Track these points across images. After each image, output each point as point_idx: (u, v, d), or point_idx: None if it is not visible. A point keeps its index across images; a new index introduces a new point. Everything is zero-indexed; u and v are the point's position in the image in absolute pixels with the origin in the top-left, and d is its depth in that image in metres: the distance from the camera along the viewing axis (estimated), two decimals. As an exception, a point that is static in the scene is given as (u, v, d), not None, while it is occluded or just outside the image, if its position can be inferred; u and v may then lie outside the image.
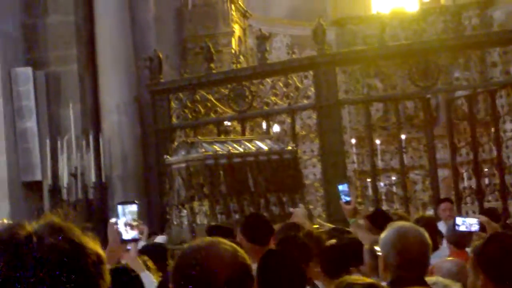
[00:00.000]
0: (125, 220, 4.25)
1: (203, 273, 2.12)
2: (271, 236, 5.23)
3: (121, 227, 4.23)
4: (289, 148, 10.03)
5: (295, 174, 9.81)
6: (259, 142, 9.75)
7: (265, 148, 9.56)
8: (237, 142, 9.74)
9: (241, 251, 2.22)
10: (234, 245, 2.24)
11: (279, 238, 4.43)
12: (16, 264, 1.30)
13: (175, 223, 9.13)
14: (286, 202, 9.64)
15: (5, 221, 4.44)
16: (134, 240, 4.39)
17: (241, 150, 9.44)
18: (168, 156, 9.59)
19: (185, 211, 9.13)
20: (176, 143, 10.05)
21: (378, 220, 6.22)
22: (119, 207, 4.35)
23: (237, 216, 8.88)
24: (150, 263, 4.43)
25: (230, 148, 9.41)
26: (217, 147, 9.37)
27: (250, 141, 9.87)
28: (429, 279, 3.58)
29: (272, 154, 9.59)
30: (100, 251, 1.40)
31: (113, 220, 5.77)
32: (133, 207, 4.37)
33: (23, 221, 1.40)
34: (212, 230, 6.80)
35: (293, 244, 4.25)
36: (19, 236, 1.35)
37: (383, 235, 3.49)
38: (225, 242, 2.23)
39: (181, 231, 9.02)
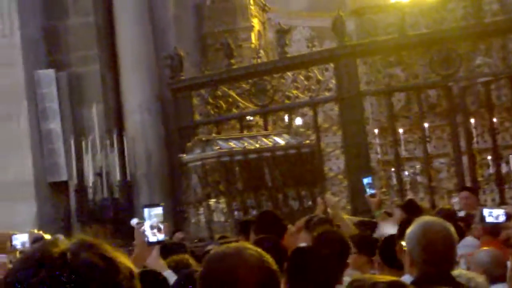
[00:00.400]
0: (151, 222, 4.29)
1: (230, 279, 2.14)
2: (284, 234, 5.24)
3: (147, 230, 4.26)
4: (307, 142, 9.99)
5: (314, 167, 9.78)
6: (277, 137, 9.72)
7: (282, 142, 9.53)
8: (253, 138, 9.73)
9: (266, 256, 2.23)
10: (260, 250, 2.26)
11: (314, 235, 4.40)
12: (51, 282, 1.33)
13: (192, 221, 9.14)
14: (305, 196, 9.62)
15: (35, 231, 4.49)
16: (160, 243, 4.42)
17: (257, 146, 9.43)
18: (184, 155, 9.59)
19: (202, 208, 9.15)
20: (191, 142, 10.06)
21: (412, 209, 6.23)
22: (145, 210, 4.38)
23: (254, 212, 8.87)
24: (192, 261, 4.43)
25: (246, 144, 9.40)
26: (232, 143, 9.36)
27: (267, 136, 9.84)
28: (452, 272, 3.56)
29: (290, 149, 9.56)
30: (131, 266, 1.42)
31: (134, 220, 5.80)
32: (159, 210, 4.40)
33: (56, 238, 1.43)
34: (245, 225, 6.78)
35: (331, 240, 4.22)
36: (53, 254, 1.37)
37: (408, 230, 3.48)
38: (251, 248, 2.24)
39: (198, 228, 9.04)
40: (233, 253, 2.21)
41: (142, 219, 4.60)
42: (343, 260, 4.10)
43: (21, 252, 3.99)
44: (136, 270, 1.44)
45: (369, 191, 6.31)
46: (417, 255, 3.38)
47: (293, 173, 9.45)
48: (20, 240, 4.30)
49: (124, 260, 1.40)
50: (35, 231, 4.36)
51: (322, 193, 9.75)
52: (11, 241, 4.29)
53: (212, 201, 9.11)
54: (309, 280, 3.27)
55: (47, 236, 4.31)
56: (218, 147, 9.30)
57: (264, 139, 9.68)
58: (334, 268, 3.38)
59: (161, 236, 4.28)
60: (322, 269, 3.33)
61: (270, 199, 9.30)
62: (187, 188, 9.59)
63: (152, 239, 4.22)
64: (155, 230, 4.25)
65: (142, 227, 4.27)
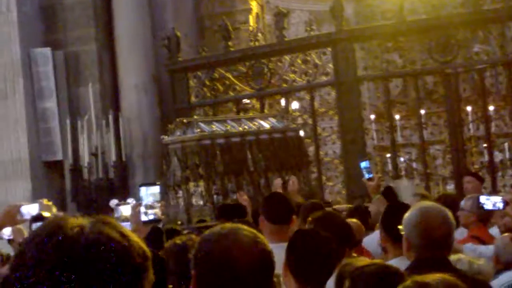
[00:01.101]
0: (147, 202, 4.29)
1: (224, 260, 2.14)
2: (292, 215, 5.23)
3: (142, 209, 4.26)
4: (293, 126, 9.91)
5: (299, 152, 9.70)
6: (262, 120, 9.65)
7: (267, 126, 9.46)
8: (237, 121, 9.63)
9: (261, 237, 2.23)
10: (254, 231, 2.25)
11: (313, 218, 4.39)
12: (64, 258, 1.32)
13: (171, 204, 9.07)
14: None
15: (44, 201, 4.49)
16: (156, 221, 4.43)
17: (240, 129, 9.35)
18: (165, 136, 9.54)
19: (181, 191, 9.02)
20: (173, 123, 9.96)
21: (390, 196, 6.24)
22: (142, 189, 4.38)
23: (234, 197, 8.78)
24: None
25: (228, 127, 9.32)
26: (215, 126, 9.29)
27: (251, 119, 9.76)
28: (452, 257, 3.57)
29: (275, 132, 9.48)
30: (144, 246, 1.41)
31: (114, 201, 5.79)
32: (155, 189, 4.40)
33: (67, 215, 1.41)
34: (224, 209, 6.78)
35: (331, 224, 4.21)
36: (66, 230, 1.36)
37: (406, 215, 3.48)
38: (245, 228, 2.24)
39: (177, 212, 8.98)
40: (228, 233, 2.21)
41: (137, 199, 4.59)
42: (345, 244, 4.10)
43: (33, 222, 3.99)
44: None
45: (367, 175, 6.30)
46: (415, 239, 3.39)
47: (277, 157, 9.34)
48: (29, 210, 4.32)
49: (137, 239, 1.40)
50: (45, 201, 4.35)
51: (307, 178, 9.72)
52: (20, 212, 4.30)
53: (191, 184, 8.98)
54: (310, 262, 3.26)
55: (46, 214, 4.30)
56: (199, 129, 9.18)
57: (248, 122, 9.59)
58: (335, 251, 3.37)
59: (156, 215, 4.28)
60: (323, 251, 3.32)
61: (251, 184, 9.18)
62: (167, 170, 9.45)
63: (148, 217, 4.22)
64: (150, 209, 4.25)
65: (138, 207, 4.26)
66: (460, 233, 5.81)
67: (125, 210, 4.63)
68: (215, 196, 8.92)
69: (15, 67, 11.29)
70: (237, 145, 9.22)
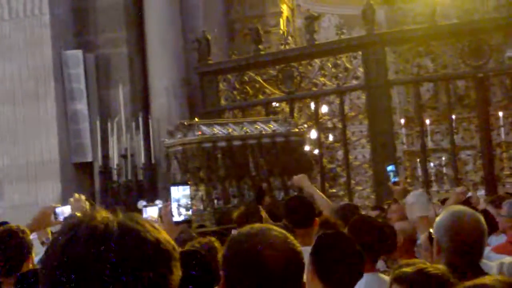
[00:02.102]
0: (179, 202, 4.28)
1: (253, 260, 2.12)
2: (314, 218, 5.20)
3: (174, 209, 4.25)
4: (296, 130, 9.79)
5: (302, 157, 9.58)
6: (263, 124, 9.53)
7: (269, 130, 9.34)
8: (239, 124, 9.49)
9: (291, 238, 2.20)
10: (285, 232, 2.23)
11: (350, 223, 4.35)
12: (93, 252, 1.32)
13: None
14: (291, 186, 9.38)
15: (74, 199, 4.51)
16: (187, 222, 4.42)
17: (242, 132, 9.24)
18: (165, 139, 9.46)
19: None
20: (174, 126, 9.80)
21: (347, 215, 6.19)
22: (172, 189, 4.37)
23: (235, 201, 8.68)
24: (217, 244, 4.40)
25: (230, 130, 9.23)
26: (216, 129, 9.20)
27: (253, 123, 9.65)
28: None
29: (277, 136, 9.37)
30: (172, 241, 1.41)
31: (142, 202, 5.77)
32: (187, 189, 4.38)
33: (99, 210, 1.41)
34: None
35: (364, 227, 4.17)
36: (97, 225, 1.36)
37: (438, 218, 3.44)
38: (275, 229, 2.22)
39: None
40: (257, 233, 2.18)
41: (167, 199, 4.58)
42: (378, 248, 4.07)
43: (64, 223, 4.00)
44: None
45: (393, 179, 6.22)
46: (445, 243, 3.34)
47: (279, 162, 9.20)
48: (63, 211, 4.35)
49: (166, 235, 1.41)
50: (76, 195, 4.37)
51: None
52: (55, 213, 4.32)
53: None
54: (337, 266, 3.22)
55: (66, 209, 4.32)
56: (200, 132, 9.03)
57: (250, 126, 9.49)
58: (360, 254, 3.33)
59: (188, 215, 4.27)
60: (349, 254, 3.28)
61: (253, 188, 9.03)
62: (167, 173, 9.34)
63: (179, 218, 4.21)
64: (183, 209, 4.24)
65: (169, 207, 4.25)
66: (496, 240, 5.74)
67: (152, 211, 4.63)
68: (215, 201, 8.80)
69: (46, 69, 11.37)
70: (239, 148, 9.08)
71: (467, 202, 6.84)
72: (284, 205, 5.76)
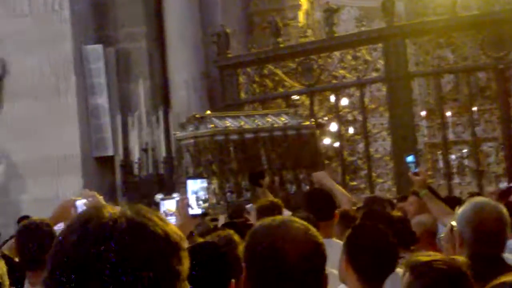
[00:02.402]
0: (196, 195, 4.28)
1: (275, 252, 2.12)
2: (334, 211, 5.19)
3: (191, 202, 4.26)
4: (307, 123, 9.68)
5: (313, 150, 9.49)
6: (275, 117, 9.44)
7: (280, 123, 9.22)
8: (250, 117, 9.42)
9: (312, 229, 2.20)
10: (306, 223, 2.23)
11: (362, 212, 4.36)
12: (101, 245, 1.33)
13: None
14: (303, 179, 9.30)
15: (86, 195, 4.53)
16: (204, 215, 4.43)
17: (254, 125, 9.12)
18: (177, 132, 9.32)
19: None
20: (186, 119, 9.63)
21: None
22: (189, 182, 4.37)
23: (248, 195, 8.62)
24: (236, 237, 4.40)
25: (242, 123, 9.12)
26: (228, 122, 9.08)
27: (264, 116, 9.55)
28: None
29: (289, 129, 9.27)
30: (180, 233, 1.42)
31: (159, 195, 5.80)
32: (203, 182, 4.39)
33: (106, 204, 1.43)
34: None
35: (380, 219, 4.16)
36: (104, 218, 1.37)
37: (459, 210, 3.42)
38: (297, 221, 2.22)
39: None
40: (279, 225, 2.19)
41: (184, 192, 4.58)
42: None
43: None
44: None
45: (413, 169, 6.16)
46: (468, 235, 3.32)
47: (291, 155, 9.14)
48: (83, 204, 4.37)
49: (173, 227, 1.41)
50: (87, 191, 4.39)
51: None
52: (75, 207, 4.35)
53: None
54: (372, 257, 3.22)
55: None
56: (213, 125, 8.94)
57: (261, 119, 9.38)
58: (395, 246, 3.33)
59: (204, 209, 4.28)
60: (384, 246, 3.28)
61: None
62: (179, 167, 9.21)
63: (195, 211, 4.21)
64: (201, 202, 4.25)
65: (186, 200, 4.25)
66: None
67: (170, 204, 4.64)
68: (228, 194, 8.74)
69: (67, 64, 11.43)
70: (251, 141, 9.01)
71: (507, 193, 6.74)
72: (305, 197, 5.75)
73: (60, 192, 11.10)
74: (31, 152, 11.38)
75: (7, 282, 1.97)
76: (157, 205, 5.09)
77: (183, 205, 4.01)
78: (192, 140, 8.88)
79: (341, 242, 3.61)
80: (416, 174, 6.00)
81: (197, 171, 8.74)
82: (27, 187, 11.45)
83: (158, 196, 6.33)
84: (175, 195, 6.75)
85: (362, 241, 3.30)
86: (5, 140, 11.65)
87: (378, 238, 3.33)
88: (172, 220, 4.51)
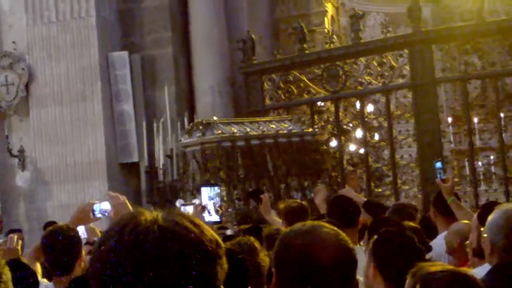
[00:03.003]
0: (210, 202, 4.27)
1: (306, 258, 2.10)
2: (359, 217, 5.17)
3: (210, 209, 4.24)
4: (310, 130, 9.54)
5: (317, 157, 9.36)
6: (278, 124, 9.30)
7: (284, 130, 9.09)
8: (254, 123, 9.24)
9: (343, 235, 2.19)
10: (336, 229, 2.21)
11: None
12: (140, 248, 1.33)
13: None
14: (308, 187, 9.13)
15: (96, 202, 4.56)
16: (216, 223, 4.42)
17: (259, 132, 8.93)
18: (182, 138, 9.16)
19: (199, 196, 8.52)
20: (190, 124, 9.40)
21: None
22: (203, 190, 4.36)
23: (255, 203, 8.46)
24: (257, 244, 4.37)
25: (247, 129, 8.98)
26: (234, 128, 8.91)
27: (268, 122, 9.41)
28: None
29: (293, 136, 9.14)
30: (216, 235, 1.42)
31: (180, 201, 5.78)
32: (217, 190, 4.38)
33: (142, 209, 1.43)
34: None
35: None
36: (141, 222, 1.37)
37: (490, 217, 3.37)
38: (327, 226, 2.21)
39: None
40: (309, 230, 2.17)
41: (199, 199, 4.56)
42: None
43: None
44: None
45: (441, 176, 6.09)
46: (500, 242, 3.27)
47: (296, 162, 9.02)
48: (102, 208, 4.37)
49: (209, 229, 1.41)
50: (111, 193, 4.38)
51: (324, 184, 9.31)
52: (93, 210, 4.37)
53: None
54: (399, 262, 3.18)
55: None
56: (220, 131, 8.76)
57: (265, 125, 9.19)
58: (421, 251, 3.31)
59: (215, 217, 4.26)
60: (411, 251, 3.25)
61: (272, 189, 8.79)
62: (184, 173, 9.01)
63: (206, 218, 4.20)
64: (213, 210, 4.24)
65: (199, 207, 4.23)
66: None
67: (190, 210, 4.64)
68: (236, 201, 8.61)
69: (93, 71, 11.49)
70: (257, 148, 8.86)
71: None
72: (329, 204, 5.73)
73: (86, 198, 11.13)
74: (57, 158, 11.45)
75: None
76: None
77: (197, 212, 3.98)
78: (199, 147, 8.72)
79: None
80: (444, 181, 5.93)
81: (204, 178, 8.55)
82: (52, 193, 11.51)
83: (179, 202, 6.32)
84: (194, 201, 6.75)
85: (390, 248, 3.27)
86: (32, 146, 11.74)
87: (405, 244, 3.31)
88: None
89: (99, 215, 4.42)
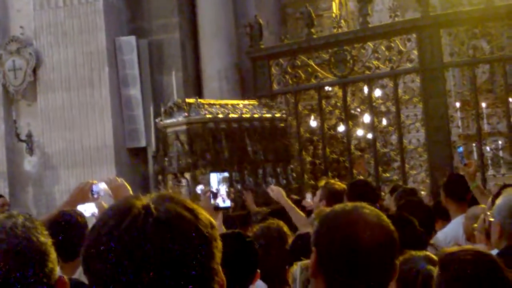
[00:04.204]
0: (220, 188, 4.27)
1: (348, 238, 2.11)
2: (377, 202, 5.16)
3: (223, 194, 4.24)
4: (279, 115, 9.21)
5: (286, 143, 9.11)
6: (246, 107, 8.95)
7: (257, 114, 8.74)
8: (224, 106, 8.88)
9: (384, 216, 2.19)
10: (377, 210, 2.22)
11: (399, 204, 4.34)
12: (134, 232, 1.33)
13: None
14: (280, 173, 8.97)
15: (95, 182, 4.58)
16: (226, 208, 4.42)
17: (237, 114, 8.58)
18: (161, 118, 8.59)
19: (184, 180, 8.14)
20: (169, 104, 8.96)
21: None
22: (212, 175, 4.35)
23: (239, 187, 8.15)
24: (286, 228, 4.37)
25: (227, 111, 8.60)
26: (215, 110, 8.49)
27: (235, 105, 9.02)
28: None
29: (265, 121, 8.87)
30: (211, 218, 1.42)
31: (200, 186, 5.78)
32: (225, 175, 4.38)
33: (138, 193, 1.44)
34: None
35: (417, 209, 4.14)
36: (136, 206, 1.37)
37: (498, 201, 3.37)
38: (368, 207, 2.21)
39: None
40: (351, 210, 2.19)
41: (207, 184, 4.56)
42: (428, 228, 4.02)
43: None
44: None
45: (463, 160, 6.04)
46: (508, 226, 3.27)
47: (270, 147, 8.83)
48: (100, 188, 4.40)
49: (204, 212, 1.41)
50: (114, 179, 4.40)
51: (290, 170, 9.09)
52: (91, 190, 4.38)
53: (198, 172, 7.99)
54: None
55: None
56: (205, 111, 8.30)
57: (233, 109, 8.83)
58: (420, 234, 3.31)
59: (228, 202, 4.26)
60: (410, 234, 3.26)
61: (252, 174, 8.55)
62: (164, 156, 8.45)
63: (220, 204, 4.20)
64: (224, 196, 4.24)
65: (208, 193, 4.23)
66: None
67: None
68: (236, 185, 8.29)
69: (100, 56, 11.48)
70: (238, 131, 8.56)
71: None
72: (348, 188, 5.70)
73: (94, 183, 11.17)
74: (65, 143, 11.47)
75: None
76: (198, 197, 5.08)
77: (206, 199, 3.95)
78: (183, 127, 8.26)
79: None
80: (466, 165, 5.87)
81: (191, 161, 8.12)
82: (60, 177, 11.54)
83: (199, 187, 6.29)
84: (199, 186, 6.71)
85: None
86: (39, 131, 11.76)
87: (405, 229, 3.33)
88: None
89: (96, 195, 4.44)
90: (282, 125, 9.32)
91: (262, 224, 4.29)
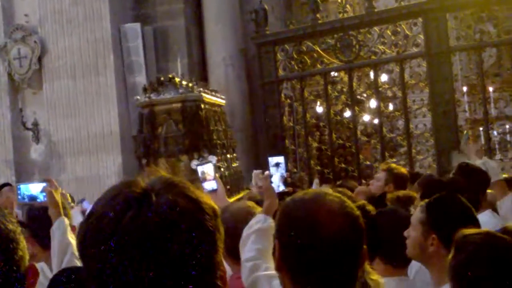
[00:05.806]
0: (277, 174, 4.26)
1: (309, 226, 2.01)
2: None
3: (278, 180, 4.24)
4: (192, 94, 8.14)
5: (204, 128, 8.07)
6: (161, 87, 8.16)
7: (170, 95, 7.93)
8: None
9: (348, 202, 2.08)
10: (341, 196, 2.12)
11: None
12: (135, 222, 1.29)
13: None
14: (230, 159, 8.55)
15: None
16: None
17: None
18: (140, 96, 7.97)
19: (182, 163, 7.58)
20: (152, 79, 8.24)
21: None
22: (270, 159, 4.33)
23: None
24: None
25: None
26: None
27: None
28: None
29: (216, 106, 8.48)
30: (214, 204, 1.37)
31: (194, 162, 5.74)
32: (281, 160, 4.36)
33: (136, 177, 1.39)
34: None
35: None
36: (135, 193, 1.33)
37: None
38: (331, 194, 2.11)
39: None
40: (312, 199, 2.08)
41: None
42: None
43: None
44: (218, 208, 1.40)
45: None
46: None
47: (223, 132, 8.42)
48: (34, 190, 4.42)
49: (206, 199, 1.37)
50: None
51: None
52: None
53: (196, 156, 7.44)
54: (394, 241, 3.18)
55: None
56: (182, 90, 7.59)
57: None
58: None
59: (283, 187, 4.25)
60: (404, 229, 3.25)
61: (221, 159, 8.00)
62: (154, 136, 7.72)
63: (281, 188, 4.21)
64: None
65: (269, 176, 4.00)
66: None
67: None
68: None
69: (105, 43, 11.46)
70: (204, 113, 7.84)
71: None
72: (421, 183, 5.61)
73: (100, 171, 11.19)
74: (71, 130, 11.48)
75: None
76: (194, 172, 5.08)
77: (268, 183, 3.69)
78: (178, 105, 7.60)
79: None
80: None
81: (190, 143, 7.52)
82: (67, 165, 11.55)
83: (194, 163, 6.22)
84: (210, 158, 6.64)
85: (384, 227, 3.24)
86: (45, 119, 11.77)
87: (398, 223, 3.33)
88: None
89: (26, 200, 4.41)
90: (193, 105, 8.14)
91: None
